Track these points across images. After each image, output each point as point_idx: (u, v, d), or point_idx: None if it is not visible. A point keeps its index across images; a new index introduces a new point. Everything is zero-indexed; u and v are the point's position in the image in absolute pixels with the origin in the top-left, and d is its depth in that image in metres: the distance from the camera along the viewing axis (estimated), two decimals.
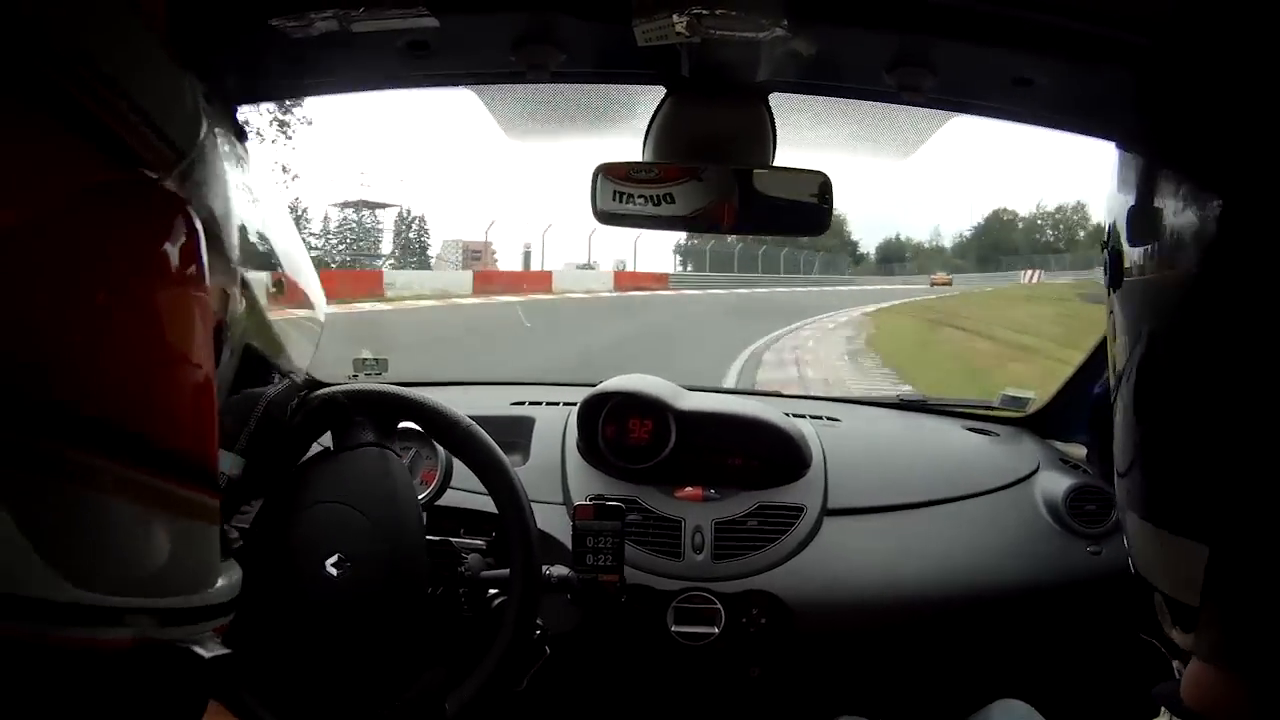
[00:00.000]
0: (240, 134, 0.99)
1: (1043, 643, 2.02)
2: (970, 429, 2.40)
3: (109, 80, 0.60)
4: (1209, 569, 0.63)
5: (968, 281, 58.86)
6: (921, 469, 2.14)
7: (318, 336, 1.38)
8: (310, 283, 1.37)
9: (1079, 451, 2.29)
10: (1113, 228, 0.76)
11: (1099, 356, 2.12)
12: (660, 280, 39.26)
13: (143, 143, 0.64)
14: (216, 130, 0.79)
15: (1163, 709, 0.75)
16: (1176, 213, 0.67)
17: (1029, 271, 59.65)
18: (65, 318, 0.55)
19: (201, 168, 0.72)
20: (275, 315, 1.06)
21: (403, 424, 1.68)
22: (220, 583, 0.71)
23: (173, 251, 0.62)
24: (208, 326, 0.66)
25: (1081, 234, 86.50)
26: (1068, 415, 2.34)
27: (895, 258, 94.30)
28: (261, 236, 1.00)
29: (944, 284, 53.95)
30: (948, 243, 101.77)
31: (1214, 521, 0.64)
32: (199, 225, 0.65)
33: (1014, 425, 2.43)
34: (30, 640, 0.53)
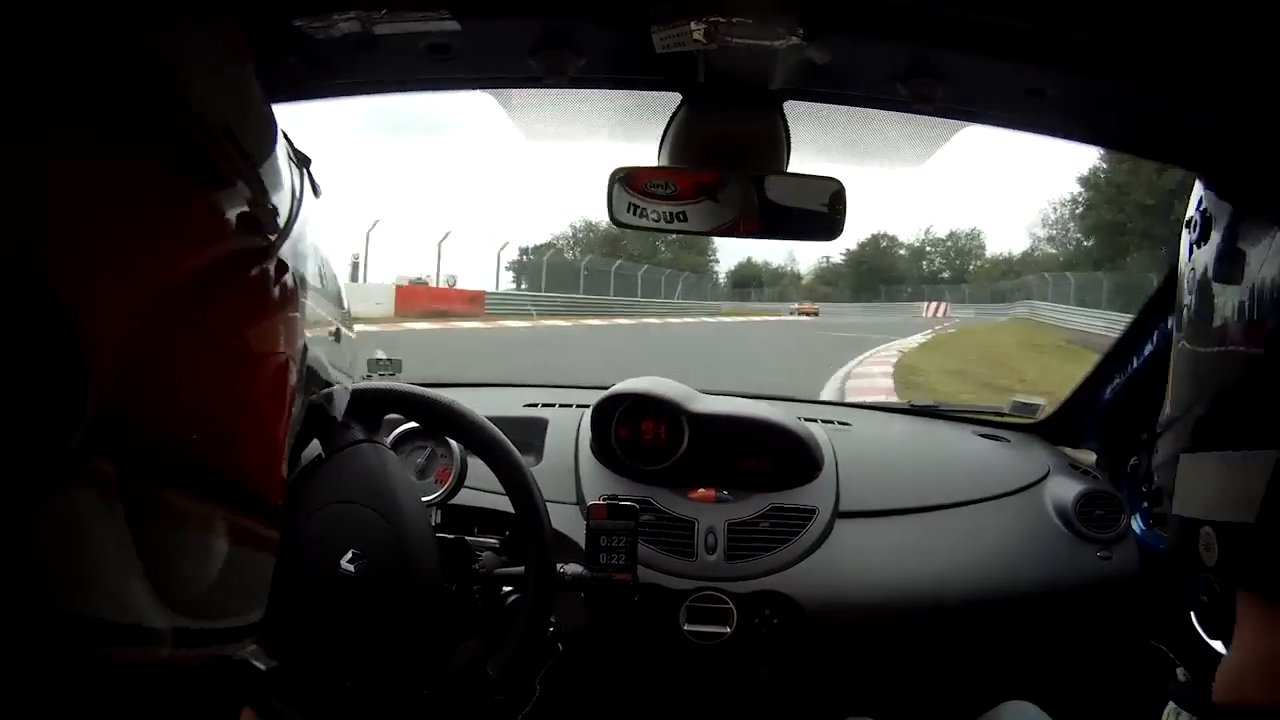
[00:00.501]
0: (315, 187, 0.99)
1: (1051, 646, 2.03)
2: (981, 435, 2.41)
3: (240, 148, 0.61)
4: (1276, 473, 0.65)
5: (839, 312, 55.54)
6: (932, 473, 2.16)
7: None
8: (350, 331, 1.40)
9: (1089, 457, 2.31)
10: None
11: (1108, 363, 2.13)
12: (474, 302, 29.52)
13: (257, 203, 0.64)
14: (304, 183, 0.80)
15: (1170, 705, 0.77)
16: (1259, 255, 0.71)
17: (931, 304, 56.33)
18: (188, 381, 0.56)
19: (297, 227, 0.71)
20: (335, 354, 1.07)
21: (411, 424, 1.71)
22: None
23: (278, 323, 0.65)
24: (290, 383, 0.69)
25: (975, 264, 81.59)
26: (1078, 421, 2.35)
27: (750, 282, 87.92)
28: (330, 280, 1.01)
29: (810, 314, 51.15)
30: (805, 268, 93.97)
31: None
32: (299, 294, 0.69)
33: (1024, 431, 2.44)
34: (142, 663, 0.55)
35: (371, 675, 1.32)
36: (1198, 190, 0.85)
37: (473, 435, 1.49)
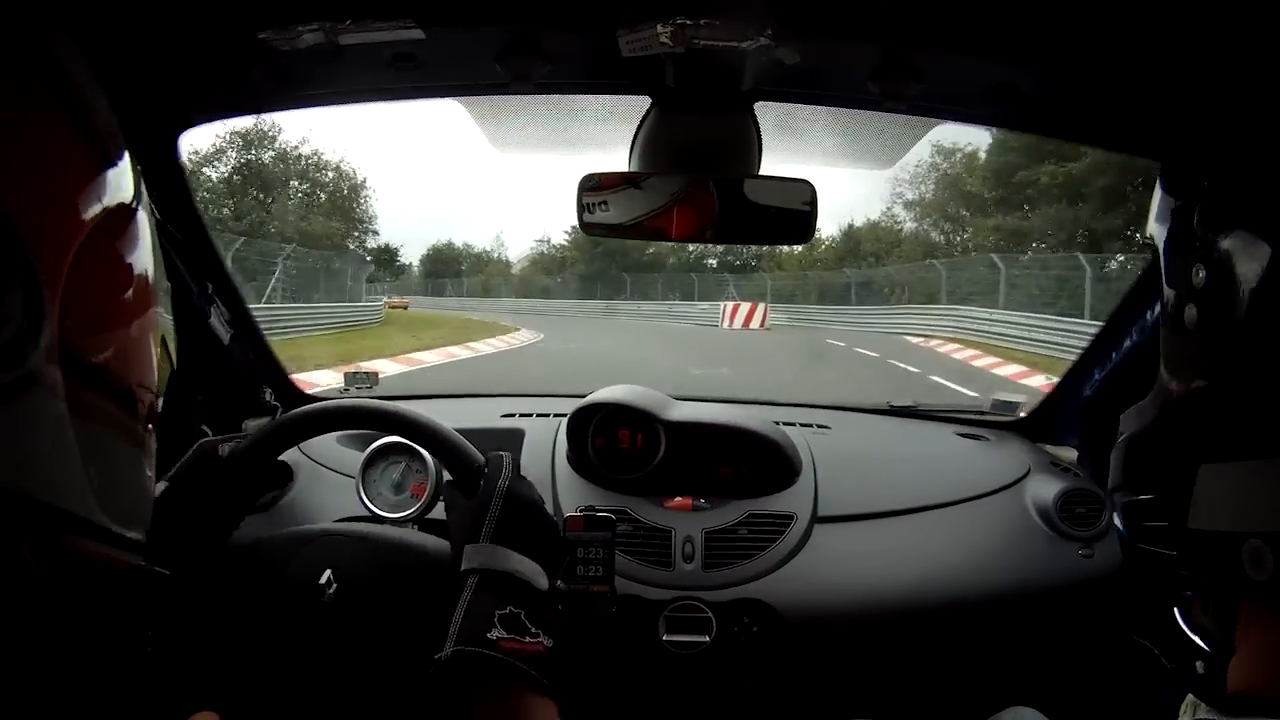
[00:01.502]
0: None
1: (1035, 647, 2.02)
2: (961, 434, 2.40)
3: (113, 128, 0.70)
4: None
5: (547, 311, 40.75)
6: (912, 475, 2.14)
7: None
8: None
9: (1070, 454, 2.30)
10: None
11: (1088, 359, 2.12)
12: None
13: (131, 176, 0.72)
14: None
15: (1189, 696, 0.76)
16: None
17: (734, 307, 30.19)
18: (102, 310, 0.65)
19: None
20: None
21: (385, 440, 1.69)
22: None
23: (149, 266, 0.73)
24: (154, 306, 0.75)
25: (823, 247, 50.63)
26: (1058, 418, 2.34)
27: (446, 270, 68.52)
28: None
29: (400, 307, 40.37)
30: (515, 254, 72.43)
31: None
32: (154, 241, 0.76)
33: (1005, 429, 2.43)
34: (88, 556, 0.65)
35: (345, 694, 1.29)
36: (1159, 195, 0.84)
37: (421, 434, 1.44)
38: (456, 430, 1.37)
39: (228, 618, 1.21)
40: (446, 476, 1.34)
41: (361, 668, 1.26)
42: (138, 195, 0.72)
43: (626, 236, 1.51)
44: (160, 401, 0.77)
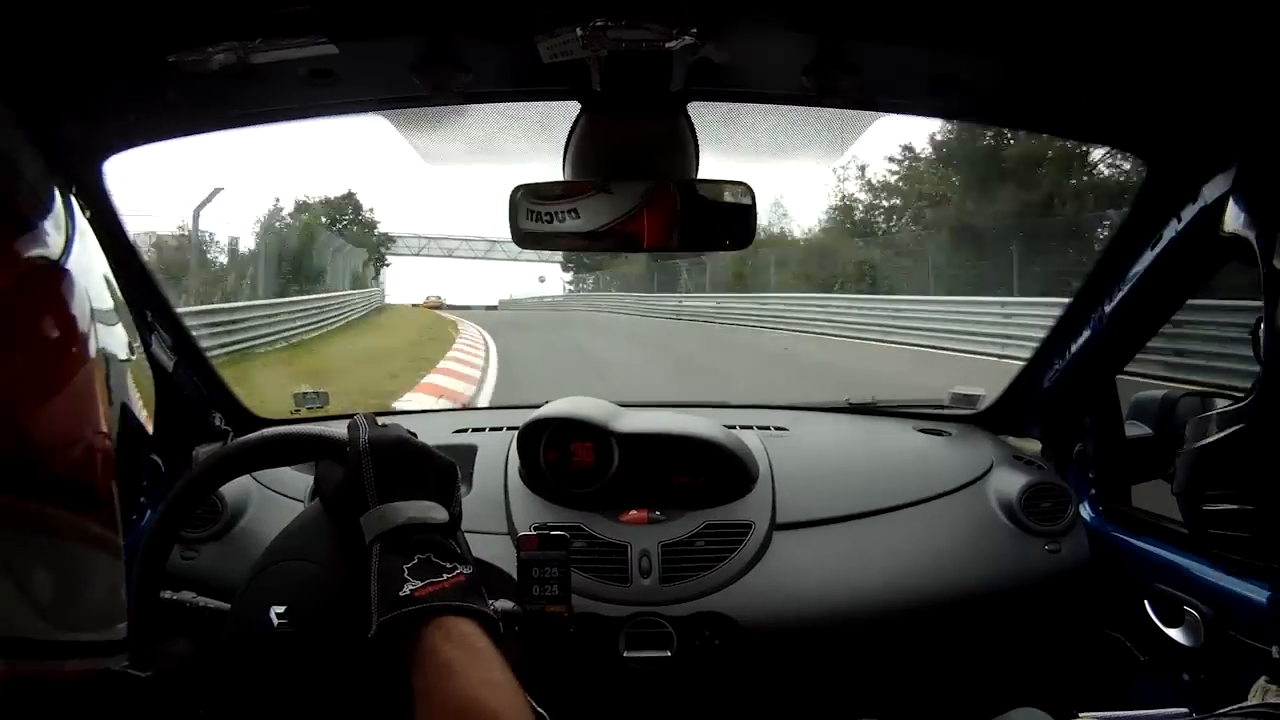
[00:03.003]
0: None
1: (1006, 645, 2.00)
2: (922, 430, 2.38)
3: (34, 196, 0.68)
4: None
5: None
6: (873, 476, 2.11)
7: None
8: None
9: (1033, 446, 2.28)
10: None
11: (1047, 349, 2.10)
12: None
13: (50, 240, 0.69)
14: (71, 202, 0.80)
15: (1261, 679, 0.76)
16: None
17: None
18: (29, 389, 0.60)
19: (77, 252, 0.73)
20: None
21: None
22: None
23: (67, 325, 0.68)
24: (92, 382, 0.69)
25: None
26: (1019, 410, 2.32)
27: None
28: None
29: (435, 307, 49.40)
30: None
31: None
32: (83, 301, 0.70)
33: (966, 423, 2.41)
34: (23, 675, 0.57)
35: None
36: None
37: (279, 449, 1.37)
38: None
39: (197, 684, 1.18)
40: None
41: (333, 686, 1.22)
42: (57, 256, 0.68)
43: (566, 249, 1.47)
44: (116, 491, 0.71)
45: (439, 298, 53.36)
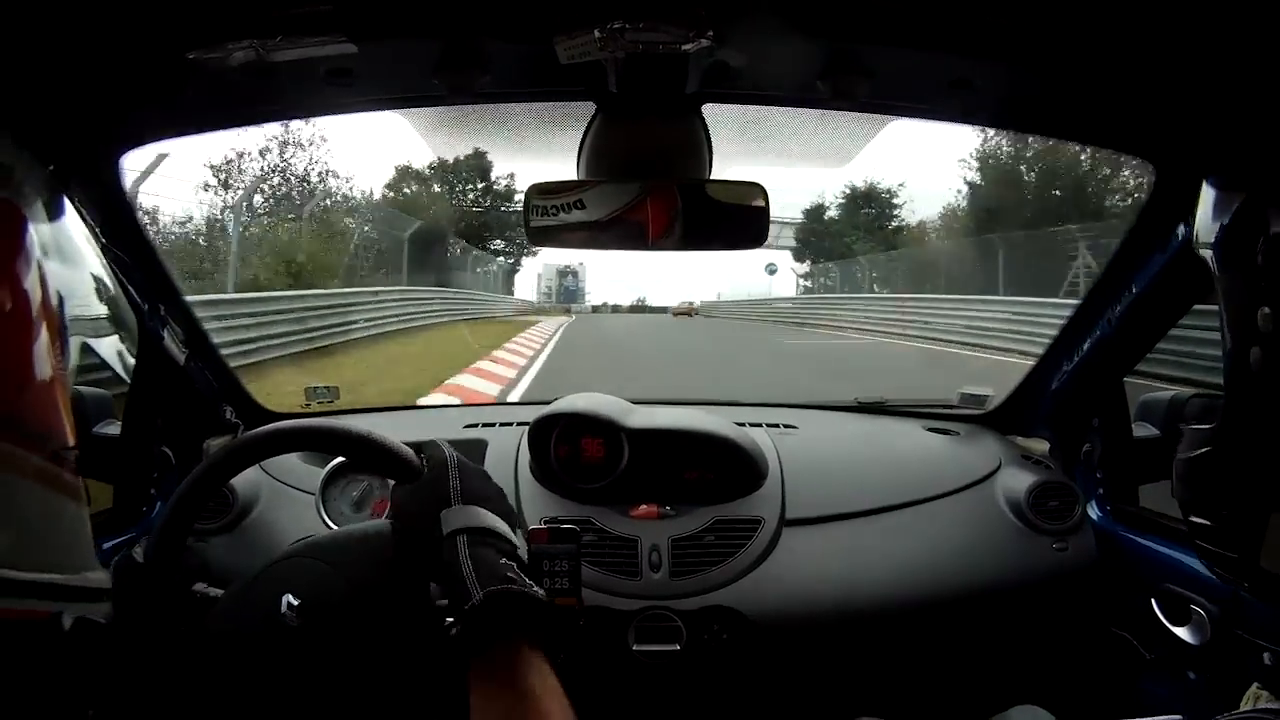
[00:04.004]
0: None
1: (1013, 642, 2.01)
2: (930, 429, 2.39)
3: None
4: None
5: None
6: (881, 474, 2.13)
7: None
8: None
9: (1041, 446, 2.29)
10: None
11: (1055, 351, 2.11)
12: None
13: None
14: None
15: (1252, 687, 0.77)
16: None
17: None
18: None
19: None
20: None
21: (341, 459, 1.65)
22: (98, 571, 0.75)
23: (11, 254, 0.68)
24: (38, 320, 0.69)
25: None
26: (1028, 410, 2.33)
27: None
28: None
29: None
30: None
31: None
32: (31, 236, 0.70)
33: (974, 423, 2.42)
34: None
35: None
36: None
37: (352, 445, 1.39)
38: (419, 443, 1.35)
39: (193, 670, 1.18)
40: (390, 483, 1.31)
41: (339, 684, 1.23)
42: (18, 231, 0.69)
43: (575, 245, 1.48)
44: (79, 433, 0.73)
45: (690, 304, 59.49)
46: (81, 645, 0.70)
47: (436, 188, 39.67)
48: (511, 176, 38.26)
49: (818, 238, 46.24)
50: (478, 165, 37.46)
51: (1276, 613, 1.42)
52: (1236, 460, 0.76)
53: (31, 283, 0.67)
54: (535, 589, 1.10)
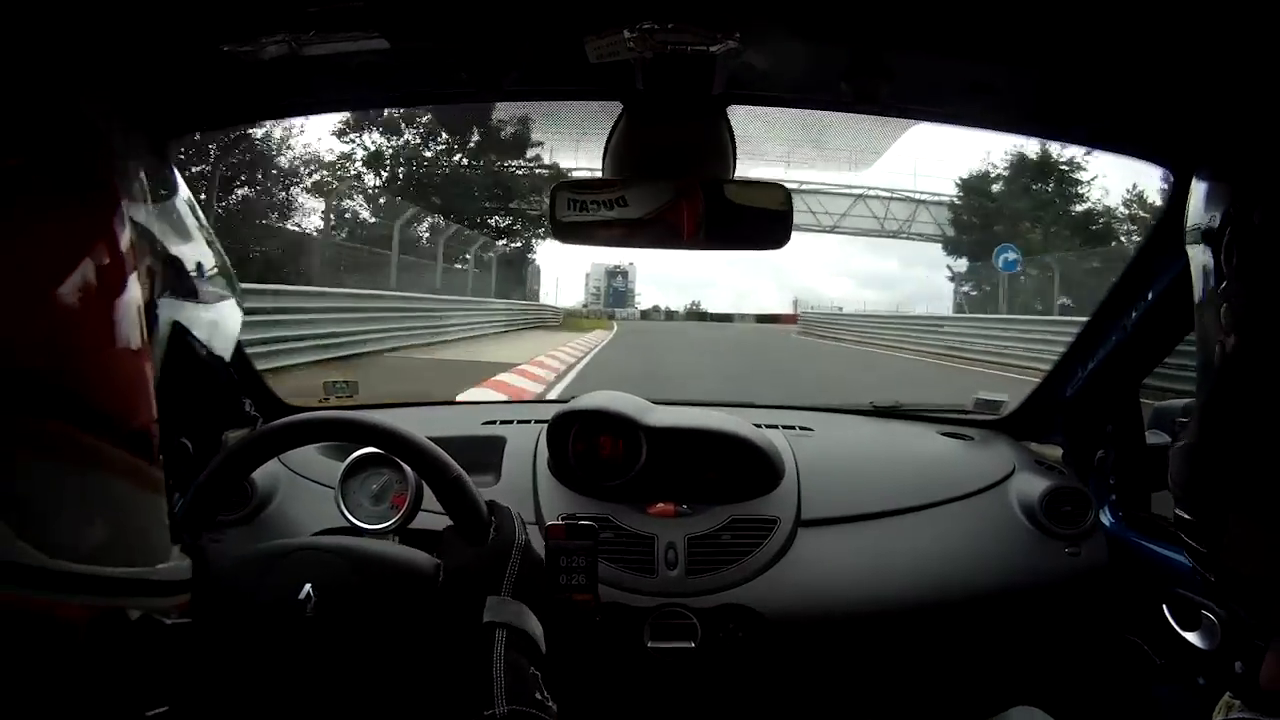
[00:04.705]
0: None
1: (1025, 646, 2.02)
2: (945, 434, 2.40)
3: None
4: None
5: None
6: (896, 476, 2.13)
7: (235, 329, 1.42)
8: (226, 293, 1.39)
9: (1055, 452, 2.29)
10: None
11: (1071, 357, 2.12)
12: None
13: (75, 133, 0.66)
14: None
15: (1225, 697, 0.77)
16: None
17: None
18: (15, 295, 0.57)
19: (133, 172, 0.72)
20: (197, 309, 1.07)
21: (364, 451, 1.66)
22: (172, 562, 0.72)
23: (99, 233, 0.65)
24: (132, 305, 0.67)
25: None
26: (1042, 416, 2.34)
27: None
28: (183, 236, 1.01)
29: None
30: None
31: None
32: (124, 214, 0.67)
33: (989, 428, 2.43)
34: (13, 606, 0.54)
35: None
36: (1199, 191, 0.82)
37: (401, 446, 1.43)
38: (438, 439, 1.36)
39: (209, 641, 1.19)
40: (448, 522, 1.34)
41: (345, 683, 1.24)
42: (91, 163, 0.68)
43: (600, 243, 1.49)
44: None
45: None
46: (153, 639, 0.69)
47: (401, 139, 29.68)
48: (524, 123, 24.29)
49: (983, 221, 33.12)
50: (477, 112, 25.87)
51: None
52: (1204, 457, 0.77)
53: (127, 268, 0.67)
54: (553, 711, 1.13)
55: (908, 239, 38.67)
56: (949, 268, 33.66)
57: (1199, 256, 0.78)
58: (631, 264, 67.44)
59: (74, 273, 0.62)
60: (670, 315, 64.06)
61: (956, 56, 1.26)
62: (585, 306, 57.51)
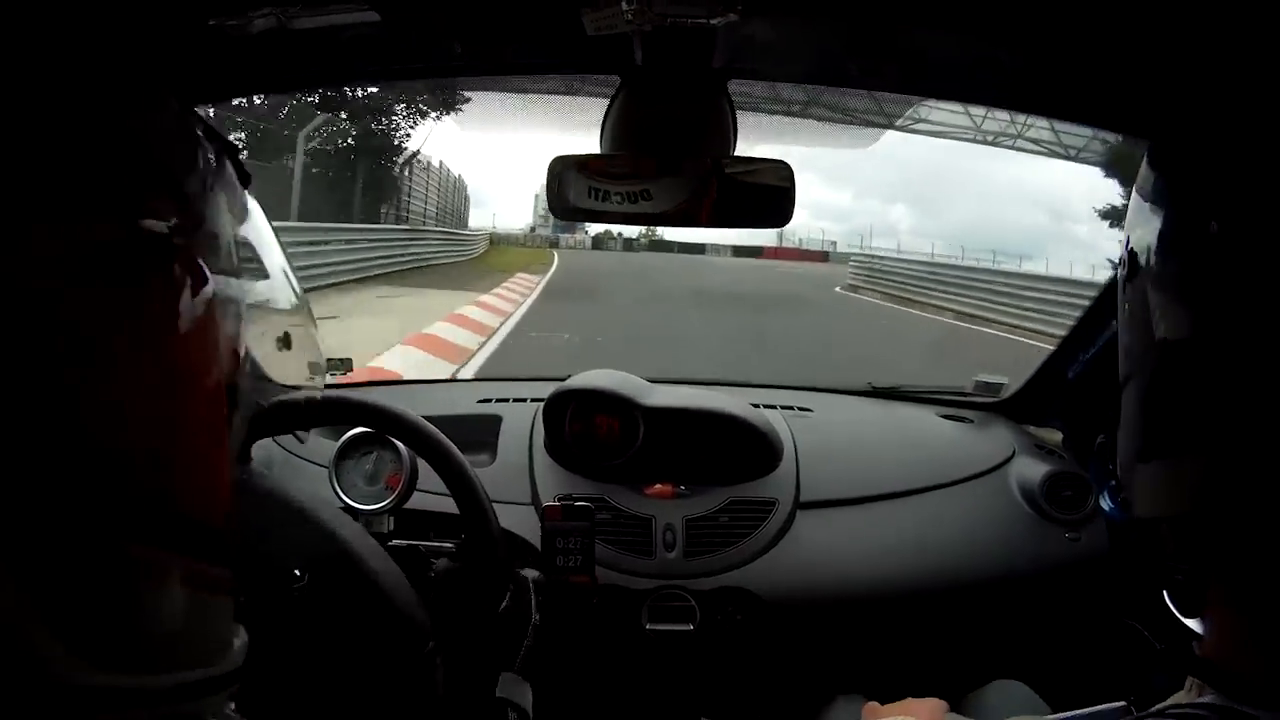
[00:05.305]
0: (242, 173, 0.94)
1: (1024, 629, 2.01)
2: (944, 416, 2.39)
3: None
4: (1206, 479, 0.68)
5: None
6: (895, 459, 2.13)
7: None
8: (308, 326, 1.35)
9: (1054, 436, 2.29)
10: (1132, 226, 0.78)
11: (1073, 340, 2.11)
12: None
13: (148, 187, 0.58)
14: (217, 167, 0.73)
15: (1189, 679, 0.77)
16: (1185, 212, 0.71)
17: None
18: (90, 390, 0.50)
19: (212, 216, 0.65)
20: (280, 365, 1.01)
21: (357, 430, 1.65)
22: (236, 647, 0.67)
23: (192, 316, 0.58)
24: (219, 393, 0.62)
25: None
26: (1042, 400, 2.33)
27: None
28: (271, 284, 0.94)
29: None
30: None
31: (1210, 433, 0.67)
32: (208, 290, 0.60)
33: (988, 411, 2.42)
34: None
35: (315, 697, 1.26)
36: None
37: (411, 436, 1.43)
38: (433, 417, 1.36)
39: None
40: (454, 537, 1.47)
41: (329, 662, 1.23)
42: (169, 219, 0.59)
43: (597, 220, 1.47)
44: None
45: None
46: None
47: None
48: None
49: None
50: None
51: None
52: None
53: (215, 346, 0.61)
54: None
55: (1013, 148, 28.20)
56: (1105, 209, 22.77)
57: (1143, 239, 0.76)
58: None
59: (177, 364, 0.57)
60: (630, 245, 54.64)
61: (962, 32, 1.23)
62: (533, 230, 53.77)
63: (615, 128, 1.47)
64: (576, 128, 1.64)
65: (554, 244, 47.43)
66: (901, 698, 1.40)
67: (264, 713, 1.19)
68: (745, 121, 1.49)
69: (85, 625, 0.50)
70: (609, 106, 1.48)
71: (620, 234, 54.32)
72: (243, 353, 0.68)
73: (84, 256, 0.50)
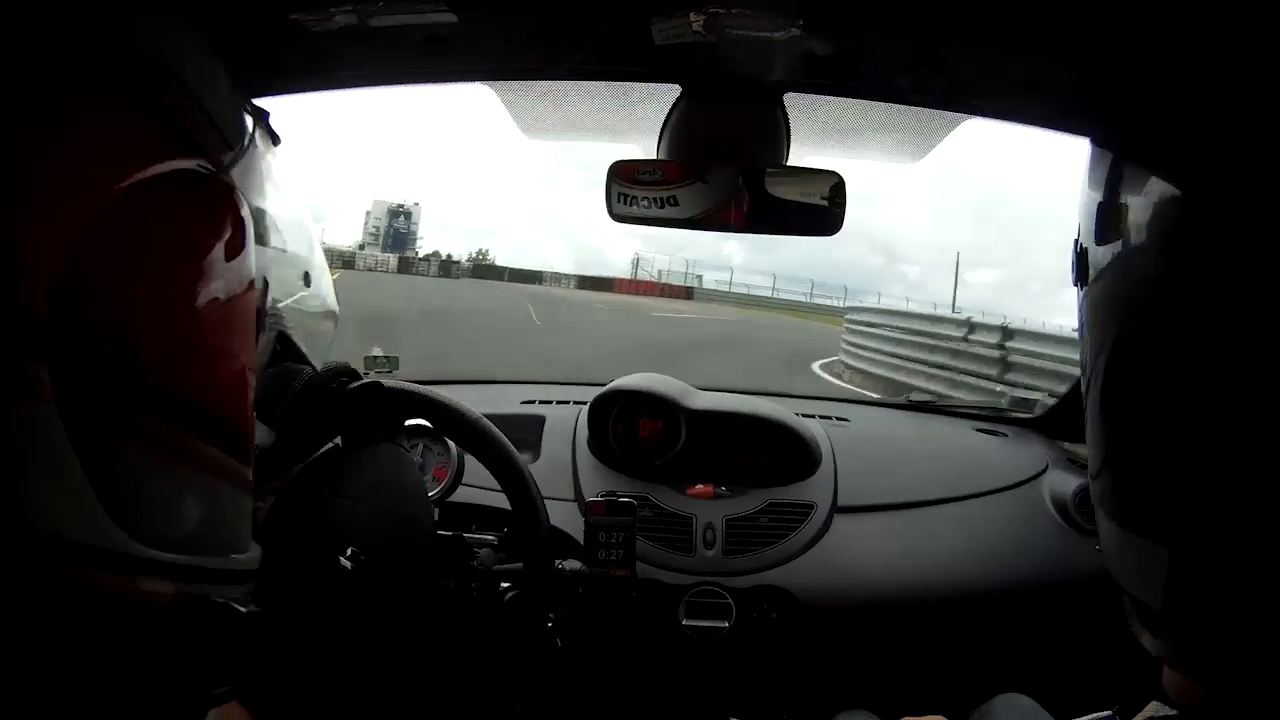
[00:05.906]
0: (273, 135, 1.01)
1: (1050, 639, 2.02)
2: (979, 429, 2.41)
3: (175, 74, 0.64)
4: (1170, 573, 0.67)
5: None
6: (930, 468, 2.16)
7: (333, 329, 1.41)
8: (326, 278, 1.39)
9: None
10: (1080, 226, 0.78)
11: None
12: None
13: (202, 134, 0.67)
14: (257, 128, 0.81)
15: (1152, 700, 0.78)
16: (1141, 211, 0.69)
17: None
18: (133, 293, 0.57)
19: (246, 162, 0.73)
20: (301, 306, 1.07)
21: (413, 421, 1.70)
22: (250, 553, 0.75)
23: (226, 241, 0.66)
24: (250, 310, 0.70)
25: None
26: (1077, 415, 2.34)
27: None
28: (292, 231, 1.01)
29: None
30: None
31: (1175, 524, 0.66)
32: (247, 217, 0.69)
33: (1023, 426, 2.44)
34: (80, 581, 0.55)
35: (350, 679, 1.28)
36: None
37: (470, 433, 1.47)
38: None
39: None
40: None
41: (376, 642, 1.26)
42: (216, 158, 0.69)
43: (655, 224, 1.51)
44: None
45: None
46: (228, 624, 0.70)
47: None
48: None
49: None
50: None
51: None
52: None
53: (248, 271, 0.69)
54: None
55: None
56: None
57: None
58: (417, 204, 66.07)
59: (213, 277, 0.65)
60: (447, 268, 49.54)
61: (1014, 52, 1.26)
62: (362, 247, 54.00)
63: (674, 136, 1.51)
64: (635, 136, 1.68)
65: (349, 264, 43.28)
66: (907, 711, 1.41)
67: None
68: (798, 133, 1.53)
69: (130, 505, 0.57)
70: (669, 114, 1.51)
71: (449, 256, 55.12)
72: (270, 282, 0.75)
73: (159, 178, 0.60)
